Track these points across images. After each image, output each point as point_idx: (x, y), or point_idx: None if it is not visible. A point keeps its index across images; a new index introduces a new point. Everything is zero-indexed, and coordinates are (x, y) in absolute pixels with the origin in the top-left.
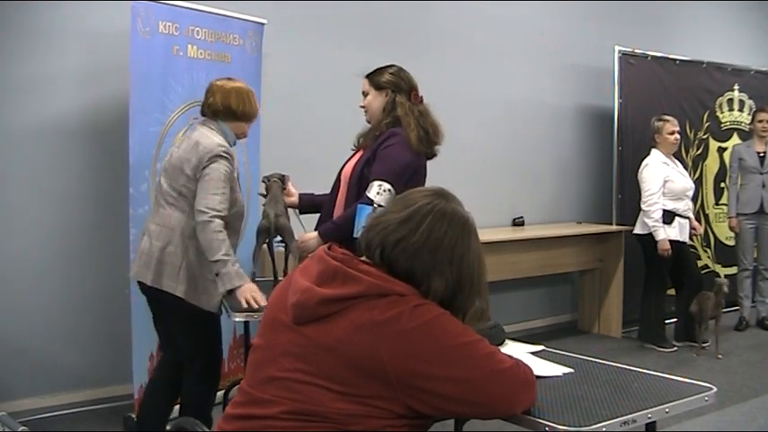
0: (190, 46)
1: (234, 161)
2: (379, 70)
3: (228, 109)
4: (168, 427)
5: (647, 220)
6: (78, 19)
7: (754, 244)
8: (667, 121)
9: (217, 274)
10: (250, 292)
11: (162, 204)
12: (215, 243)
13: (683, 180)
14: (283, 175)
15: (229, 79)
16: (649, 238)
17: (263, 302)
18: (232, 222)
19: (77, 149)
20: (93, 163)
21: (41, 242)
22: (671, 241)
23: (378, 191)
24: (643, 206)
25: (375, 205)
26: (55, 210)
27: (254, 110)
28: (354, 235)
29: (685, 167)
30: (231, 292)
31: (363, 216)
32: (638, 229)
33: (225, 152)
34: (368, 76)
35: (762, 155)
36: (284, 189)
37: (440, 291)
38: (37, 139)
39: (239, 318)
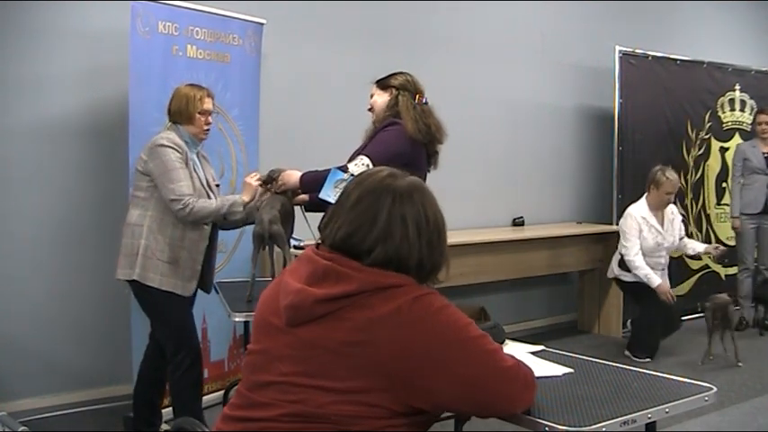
0: (189, 46)
1: (185, 154)
2: (389, 75)
3: (170, 111)
4: (168, 428)
5: (636, 273)
6: (79, 19)
7: (755, 244)
8: (668, 179)
9: (225, 217)
10: (252, 191)
11: (129, 209)
12: (204, 212)
13: (653, 239)
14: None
15: (188, 84)
16: (624, 282)
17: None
18: None
19: (78, 149)
20: (94, 162)
21: (42, 241)
22: (631, 283)
23: (357, 162)
24: (626, 260)
25: (349, 174)
26: (55, 209)
27: (189, 111)
28: (320, 195)
29: (686, 172)
30: (246, 208)
31: (333, 180)
32: (613, 273)
33: (169, 142)
34: (377, 81)
35: (767, 156)
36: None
37: (413, 262)
38: (37, 138)
39: (239, 318)
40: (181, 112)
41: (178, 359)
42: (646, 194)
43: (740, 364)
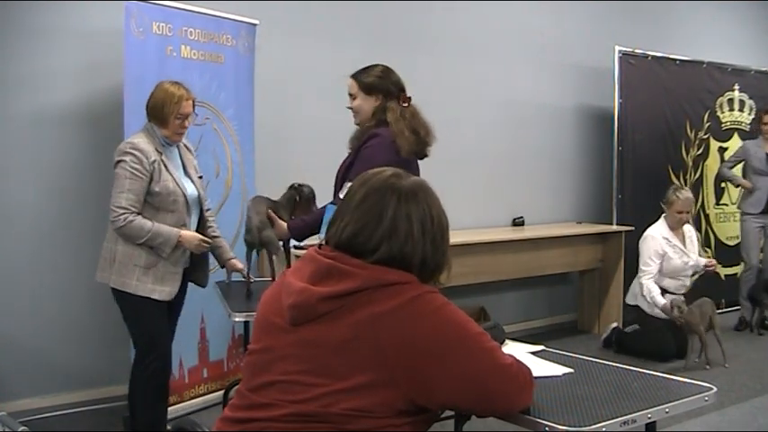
0: (183, 46)
1: (144, 155)
2: (367, 71)
3: (147, 108)
4: (168, 428)
5: (644, 294)
6: (77, 18)
7: (761, 245)
8: (679, 199)
9: (156, 248)
10: (192, 240)
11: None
12: (133, 232)
13: (679, 258)
14: (301, 189)
15: (172, 83)
16: (637, 308)
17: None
18: (163, 205)
19: (76, 145)
20: (92, 161)
21: (41, 241)
22: (656, 318)
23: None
24: (640, 280)
25: None
26: (53, 209)
27: (163, 113)
28: (320, 234)
29: (686, 172)
30: (178, 249)
31: (330, 215)
32: (635, 300)
33: (131, 149)
34: (356, 78)
35: None
36: (297, 203)
37: (417, 260)
38: (36, 135)
39: (239, 318)
40: (155, 113)
41: (146, 362)
42: (664, 215)
43: (708, 366)
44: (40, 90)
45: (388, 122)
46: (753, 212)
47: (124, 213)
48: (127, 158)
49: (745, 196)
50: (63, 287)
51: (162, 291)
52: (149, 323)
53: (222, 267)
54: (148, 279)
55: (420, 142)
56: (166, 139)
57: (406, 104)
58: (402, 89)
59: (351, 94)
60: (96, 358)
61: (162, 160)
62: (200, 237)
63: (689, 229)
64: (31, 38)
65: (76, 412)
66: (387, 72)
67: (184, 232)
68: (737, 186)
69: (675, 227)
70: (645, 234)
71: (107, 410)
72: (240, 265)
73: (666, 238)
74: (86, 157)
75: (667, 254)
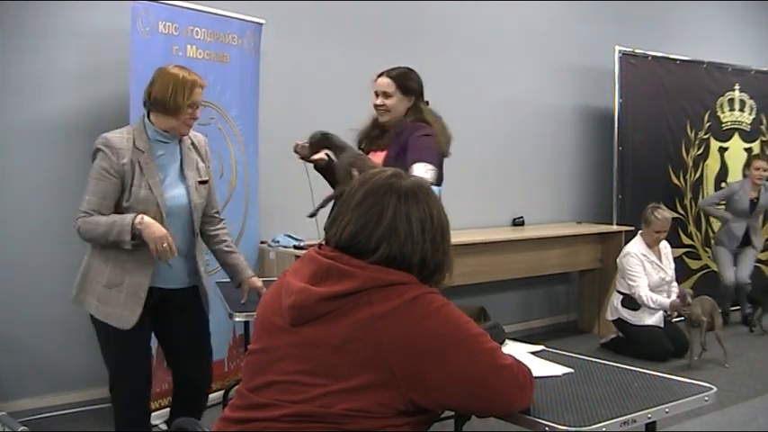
0: (189, 46)
1: (115, 153)
2: (400, 71)
3: (150, 97)
4: (166, 428)
5: (651, 308)
6: (80, 18)
7: (734, 266)
8: (657, 219)
9: (121, 243)
10: (156, 231)
11: None
12: (92, 231)
13: (656, 274)
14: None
15: (179, 67)
16: (620, 322)
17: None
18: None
19: (79, 147)
20: None
21: (41, 241)
22: (644, 326)
23: (424, 170)
24: (637, 297)
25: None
26: (55, 208)
27: (176, 102)
28: None
29: (686, 172)
30: (138, 239)
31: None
32: (618, 314)
33: (102, 144)
34: (393, 78)
35: (754, 201)
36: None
37: (416, 260)
38: (39, 136)
39: (239, 318)
40: (164, 102)
41: (114, 395)
42: (641, 231)
43: (705, 350)
44: (43, 91)
45: (428, 122)
46: (727, 246)
47: (82, 216)
48: (99, 155)
49: (724, 230)
50: (63, 288)
51: (122, 316)
52: (113, 353)
53: (238, 287)
54: (107, 300)
55: (449, 141)
56: (169, 132)
57: (428, 105)
58: (423, 91)
59: (385, 93)
60: (96, 358)
61: (139, 161)
62: (166, 235)
63: (665, 245)
64: (33, 38)
65: (76, 412)
66: (416, 74)
67: (147, 218)
68: (720, 220)
69: (652, 244)
70: (625, 251)
71: (107, 410)
72: (260, 283)
73: (645, 255)
74: (87, 160)
75: (646, 270)
